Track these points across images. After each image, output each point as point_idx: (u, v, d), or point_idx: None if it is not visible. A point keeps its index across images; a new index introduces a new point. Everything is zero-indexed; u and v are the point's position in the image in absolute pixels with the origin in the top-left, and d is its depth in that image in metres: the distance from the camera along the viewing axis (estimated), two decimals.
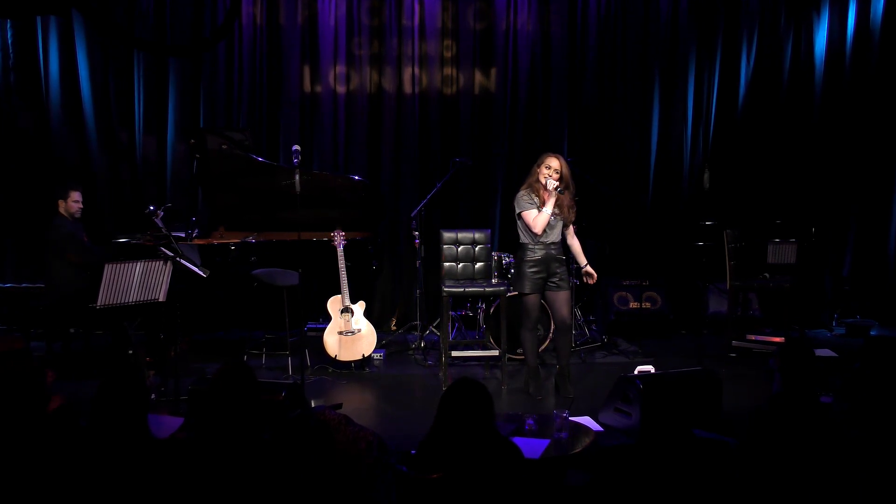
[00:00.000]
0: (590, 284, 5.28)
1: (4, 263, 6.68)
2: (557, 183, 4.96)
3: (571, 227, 5.21)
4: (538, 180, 5.03)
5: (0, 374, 2.71)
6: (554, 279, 5.07)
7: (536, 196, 5.03)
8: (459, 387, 2.72)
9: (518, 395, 5.17)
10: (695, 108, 7.37)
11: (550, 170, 5.00)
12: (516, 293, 5.92)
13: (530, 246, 5.05)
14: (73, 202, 5.46)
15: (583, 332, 6.59)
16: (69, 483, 2.46)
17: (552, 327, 5.96)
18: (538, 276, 5.05)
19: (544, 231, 5.00)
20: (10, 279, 6.40)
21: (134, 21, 6.73)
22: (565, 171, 5.04)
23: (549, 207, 4.97)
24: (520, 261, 5.12)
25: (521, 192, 5.09)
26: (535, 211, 5.00)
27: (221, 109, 6.96)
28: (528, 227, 5.03)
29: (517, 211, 5.09)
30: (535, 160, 5.18)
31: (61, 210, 5.43)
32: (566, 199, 5.06)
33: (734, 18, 7.31)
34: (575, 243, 5.26)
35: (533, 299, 5.09)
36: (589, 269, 5.19)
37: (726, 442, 3.33)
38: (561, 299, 5.09)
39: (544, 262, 5.04)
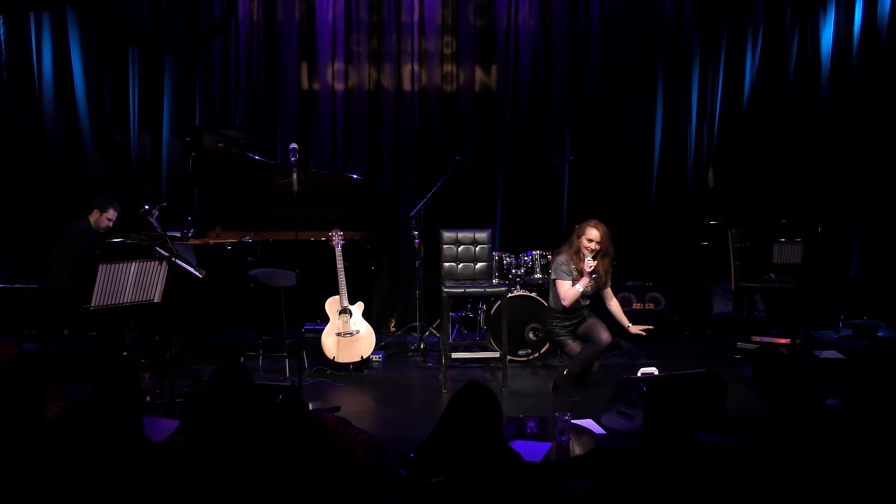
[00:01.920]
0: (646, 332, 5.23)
1: None
2: (594, 263, 5.02)
3: (609, 290, 5.27)
4: (578, 251, 5.09)
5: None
6: (581, 318, 5.22)
7: (575, 267, 5.10)
8: (469, 391, 2.72)
9: (520, 398, 5.18)
10: (699, 105, 7.37)
11: (592, 243, 5.06)
12: (518, 295, 5.97)
13: (558, 313, 5.18)
14: (107, 219, 5.43)
15: None
16: (63, 487, 2.46)
17: None
18: (570, 329, 5.20)
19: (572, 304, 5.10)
20: (4, 279, 6.40)
21: (128, 17, 6.73)
22: (605, 239, 5.10)
23: (581, 286, 5.06)
24: (551, 325, 5.23)
25: (563, 257, 5.14)
26: (569, 282, 5.07)
27: (218, 107, 6.97)
28: (557, 297, 5.13)
29: (553, 277, 5.18)
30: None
31: (91, 219, 5.40)
32: (605, 264, 5.14)
33: (739, 14, 7.31)
34: (614, 305, 5.28)
35: (574, 345, 5.19)
36: (635, 329, 5.16)
37: (731, 445, 3.34)
38: (592, 325, 5.14)
39: (573, 325, 5.20)
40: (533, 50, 7.22)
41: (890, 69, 7.14)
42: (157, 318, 5.00)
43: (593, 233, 5.08)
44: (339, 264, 5.70)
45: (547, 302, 5.95)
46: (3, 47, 6.61)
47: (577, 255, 5.10)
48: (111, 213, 5.47)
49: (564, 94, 7.26)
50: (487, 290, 5.57)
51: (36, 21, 6.62)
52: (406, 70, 7.13)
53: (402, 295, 7.24)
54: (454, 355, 5.83)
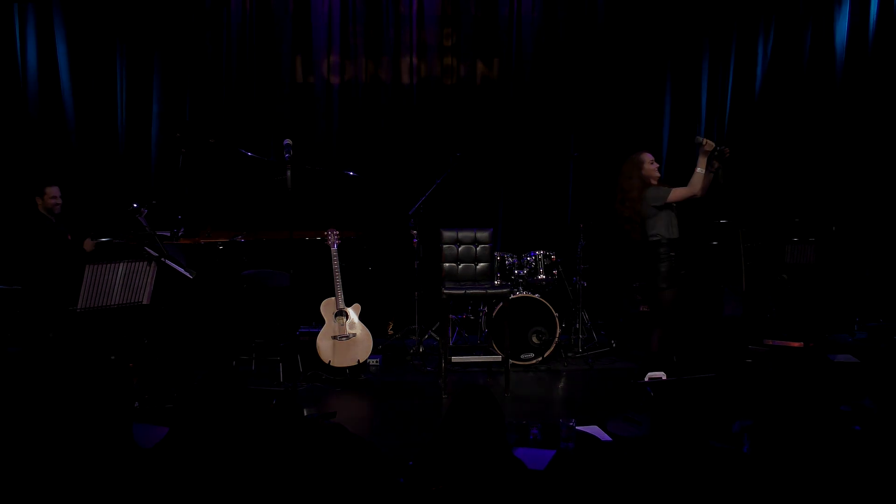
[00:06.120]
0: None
1: None
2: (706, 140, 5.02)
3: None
4: (652, 175, 5.16)
5: None
6: None
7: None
8: (470, 395, 2.73)
9: (523, 403, 5.18)
10: (709, 99, 7.38)
11: (654, 164, 5.18)
12: (521, 296, 5.96)
13: (666, 241, 5.07)
14: (51, 199, 5.50)
15: (590, 337, 6.60)
16: (52, 494, 2.47)
17: (558, 332, 5.98)
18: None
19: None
20: None
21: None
22: None
23: (702, 167, 5.03)
24: (664, 257, 5.06)
25: (651, 187, 5.10)
26: (677, 187, 5.06)
27: (209, 101, 6.97)
28: (687, 198, 5.05)
29: (663, 202, 5.05)
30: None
31: (40, 209, 5.45)
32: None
33: (750, 4, 7.31)
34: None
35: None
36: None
37: (742, 452, 3.34)
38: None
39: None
40: (536, 41, 7.23)
41: None
42: (147, 320, 5.01)
43: (649, 156, 5.20)
44: (335, 265, 5.70)
45: (549, 304, 5.96)
46: None
47: (653, 180, 5.15)
48: (52, 192, 5.52)
49: (569, 87, 7.26)
50: (489, 291, 5.57)
51: (20, 12, 6.63)
52: (404, 63, 7.14)
53: (400, 296, 7.24)
54: (454, 359, 5.83)
